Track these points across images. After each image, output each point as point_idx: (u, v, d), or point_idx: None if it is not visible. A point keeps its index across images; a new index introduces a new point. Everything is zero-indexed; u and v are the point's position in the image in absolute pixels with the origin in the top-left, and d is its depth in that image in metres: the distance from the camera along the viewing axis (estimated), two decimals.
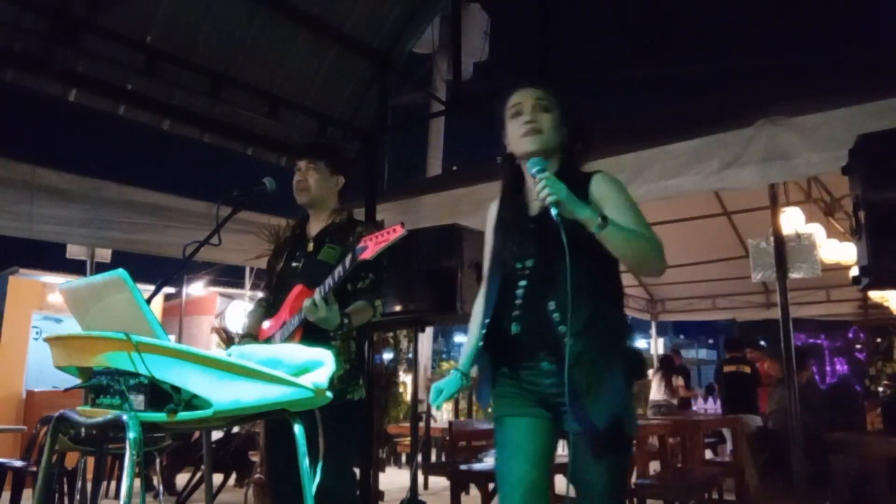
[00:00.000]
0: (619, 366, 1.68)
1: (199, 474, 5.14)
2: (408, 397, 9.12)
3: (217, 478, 5.25)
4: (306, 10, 4.42)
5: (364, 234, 2.23)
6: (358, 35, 4.78)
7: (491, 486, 3.98)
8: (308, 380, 1.55)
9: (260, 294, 2.75)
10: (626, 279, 2.51)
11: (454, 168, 9.62)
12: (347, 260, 2.17)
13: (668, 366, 7.97)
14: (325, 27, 4.58)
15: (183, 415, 1.43)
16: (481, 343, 1.79)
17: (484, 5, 9.90)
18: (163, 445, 4.28)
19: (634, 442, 3.48)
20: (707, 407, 12.20)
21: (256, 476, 4.57)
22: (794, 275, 4.72)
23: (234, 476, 5.56)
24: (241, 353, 1.63)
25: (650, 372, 7.81)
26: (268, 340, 2.40)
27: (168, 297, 9.73)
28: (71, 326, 1.68)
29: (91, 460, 3.94)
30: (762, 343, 7.67)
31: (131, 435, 1.35)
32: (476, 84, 10.26)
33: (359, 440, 2.64)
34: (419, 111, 10.04)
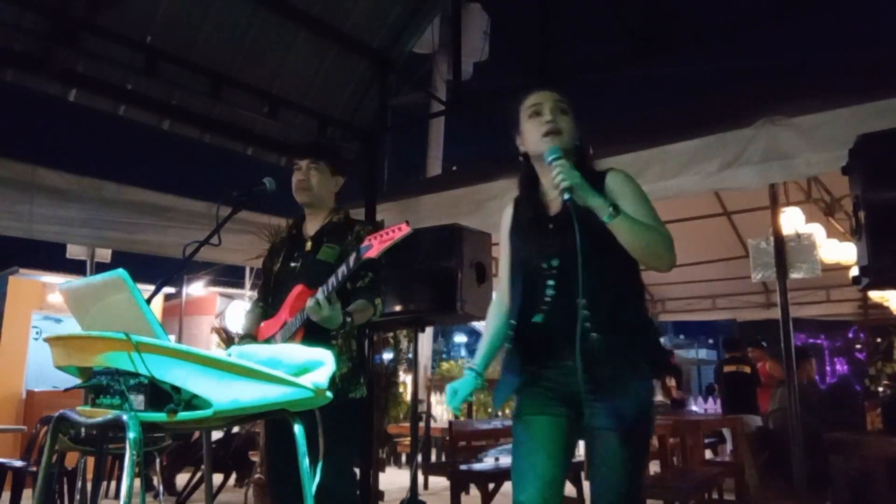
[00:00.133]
0: (644, 361, 1.73)
1: (199, 474, 5.14)
2: (408, 397, 9.10)
3: (217, 478, 5.25)
4: (306, 10, 4.42)
5: (363, 233, 2.23)
6: (358, 35, 4.78)
7: (491, 486, 3.98)
8: (308, 380, 1.55)
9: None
10: None
11: (454, 168, 9.61)
12: (352, 259, 2.17)
13: None
14: (325, 27, 4.59)
15: (183, 415, 1.43)
16: (509, 345, 1.81)
17: (484, 5, 9.88)
18: (163, 445, 4.29)
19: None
20: (707, 407, 12.21)
21: (256, 476, 4.57)
22: (794, 275, 4.71)
23: (234, 476, 5.57)
24: (241, 353, 1.62)
25: None
26: (269, 341, 2.39)
27: (168, 297, 9.72)
28: (71, 326, 1.68)
29: (91, 460, 3.94)
30: (763, 343, 7.64)
31: (131, 435, 1.35)
32: (476, 84, 10.27)
33: (359, 440, 2.65)
34: (419, 111, 10.06)
